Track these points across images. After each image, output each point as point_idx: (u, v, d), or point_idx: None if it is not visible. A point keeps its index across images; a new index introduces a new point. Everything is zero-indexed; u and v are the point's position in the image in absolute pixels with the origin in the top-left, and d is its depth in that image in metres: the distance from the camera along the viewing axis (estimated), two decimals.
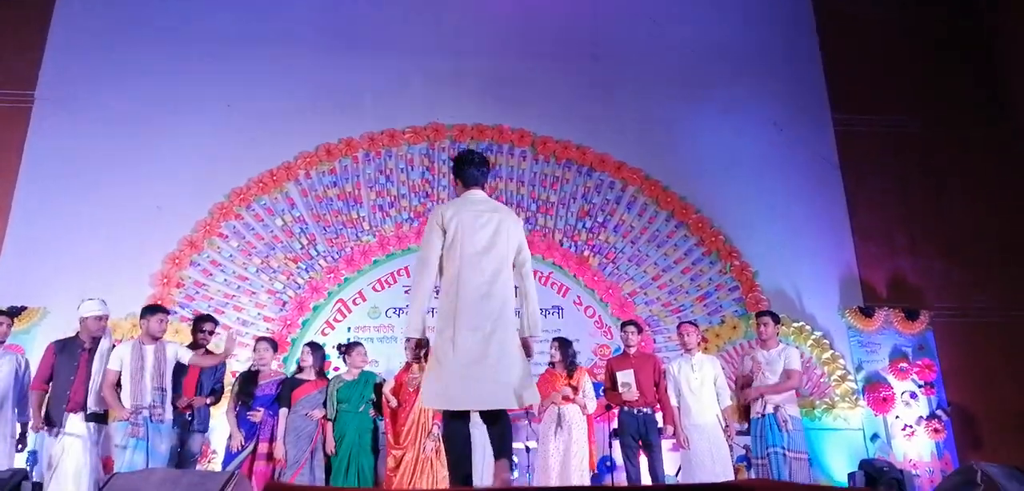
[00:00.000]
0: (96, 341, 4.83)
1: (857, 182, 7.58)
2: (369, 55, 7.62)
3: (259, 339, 5.34)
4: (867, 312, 7.00)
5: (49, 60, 7.32)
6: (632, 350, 5.34)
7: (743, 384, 5.31)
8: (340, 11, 7.80)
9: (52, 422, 4.68)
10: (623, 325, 5.50)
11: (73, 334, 4.97)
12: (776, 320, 5.47)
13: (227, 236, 6.86)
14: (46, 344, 5.09)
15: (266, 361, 5.13)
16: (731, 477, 5.01)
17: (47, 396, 4.78)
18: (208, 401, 5.12)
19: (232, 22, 7.66)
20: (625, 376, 5.10)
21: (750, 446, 5.16)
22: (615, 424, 5.27)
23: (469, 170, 3.25)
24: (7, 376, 4.93)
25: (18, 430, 4.99)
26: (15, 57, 7.31)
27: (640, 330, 5.59)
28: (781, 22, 8.17)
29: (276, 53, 7.54)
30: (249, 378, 5.07)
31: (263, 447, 4.87)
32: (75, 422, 4.66)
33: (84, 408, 4.67)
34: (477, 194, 3.22)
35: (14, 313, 6.16)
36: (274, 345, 5.39)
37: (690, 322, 5.58)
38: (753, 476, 5.06)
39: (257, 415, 4.94)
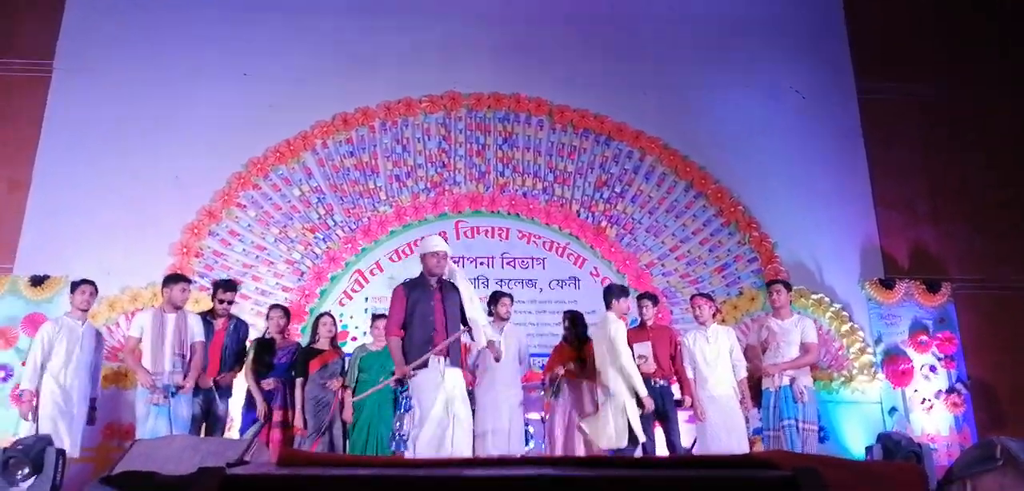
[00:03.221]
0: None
1: (880, 151, 7.43)
2: (385, 22, 7.54)
3: (273, 307, 5.37)
4: (888, 284, 6.91)
5: (67, 29, 7.31)
6: (649, 322, 5.32)
7: (756, 354, 5.27)
8: None
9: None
10: (639, 297, 5.46)
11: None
12: (788, 288, 5.41)
13: (245, 206, 6.89)
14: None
15: (281, 328, 5.17)
16: (746, 449, 5.01)
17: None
18: (234, 375, 5.17)
19: None
20: (642, 348, 5.09)
21: (763, 417, 5.14)
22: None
23: None
24: (89, 347, 5.00)
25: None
26: (34, 27, 7.31)
27: (656, 302, 5.55)
28: None
29: (293, 20, 7.50)
30: (265, 346, 5.10)
31: (277, 415, 4.92)
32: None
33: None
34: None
35: (37, 282, 6.30)
36: (288, 313, 5.42)
37: (703, 295, 5.54)
38: (767, 448, 5.04)
39: (270, 384, 4.98)
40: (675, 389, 5.24)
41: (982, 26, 7.92)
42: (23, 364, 5.22)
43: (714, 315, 5.44)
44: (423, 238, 4.88)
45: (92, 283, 5.12)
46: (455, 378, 4.17)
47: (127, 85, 7.14)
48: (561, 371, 5.08)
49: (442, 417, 3.97)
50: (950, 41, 7.84)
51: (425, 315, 4.17)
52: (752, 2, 7.89)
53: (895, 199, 7.26)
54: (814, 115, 7.50)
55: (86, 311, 5.06)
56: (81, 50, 7.25)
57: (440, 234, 5.28)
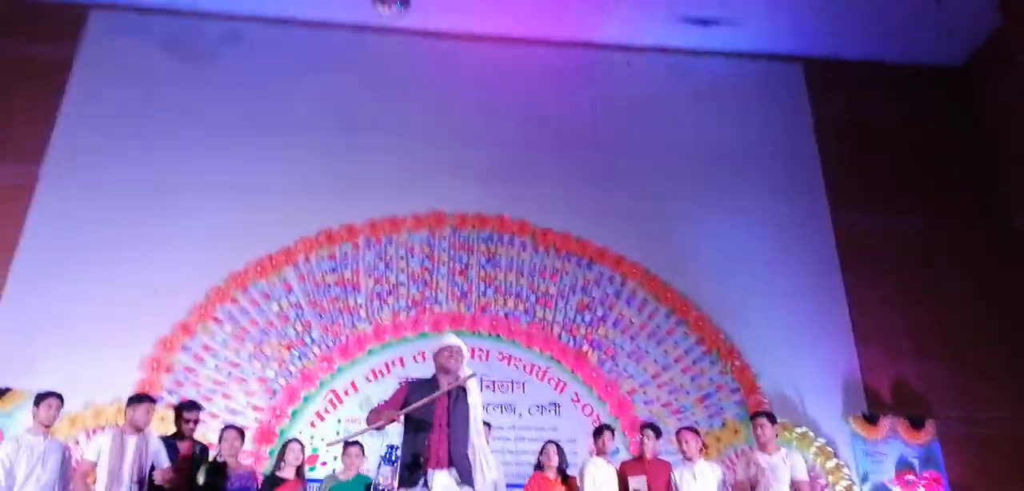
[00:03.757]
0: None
1: (859, 283, 7.50)
2: (373, 141, 7.70)
3: (227, 427, 5.14)
4: (871, 419, 6.82)
5: (58, 136, 7.40)
6: (648, 455, 5.15)
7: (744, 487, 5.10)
8: (345, 98, 7.93)
9: None
10: (642, 427, 5.33)
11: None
12: (773, 421, 5.29)
13: (222, 320, 6.78)
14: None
15: (235, 451, 4.94)
16: None
17: None
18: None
19: (239, 105, 7.80)
20: (638, 482, 4.92)
21: None
22: None
23: None
24: (55, 466, 4.69)
25: None
26: (26, 131, 7.37)
27: (659, 435, 5.38)
28: (780, 123, 8.29)
29: (281, 138, 7.65)
30: (216, 470, 4.83)
31: None
32: None
33: None
34: None
35: None
36: (242, 434, 5.19)
37: (689, 428, 5.41)
38: None
39: None
40: None
41: (954, 159, 8.19)
42: None
43: (701, 450, 5.29)
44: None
45: (58, 396, 4.87)
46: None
47: (113, 194, 7.17)
48: None
49: None
50: (923, 173, 8.08)
51: (426, 413, 3.69)
52: (730, 135, 8.14)
53: (875, 333, 7.26)
54: (792, 245, 7.61)
55: (49, 426, 4.80)
56: (70, 157, 7.32)
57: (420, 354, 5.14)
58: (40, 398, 4.80)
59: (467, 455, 3.69)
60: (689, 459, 5.12)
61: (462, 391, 3.78)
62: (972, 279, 7.61)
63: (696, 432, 5.36)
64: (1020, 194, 7.85)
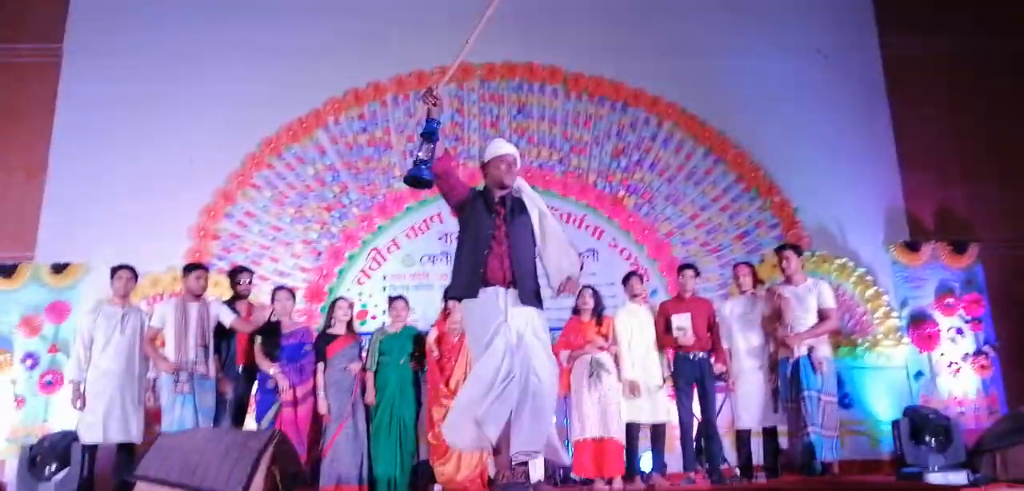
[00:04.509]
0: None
1: (905, 109, 7.23)
2: None
3: (278, 288, 5.28)
4: (913, 247, 6.77)
5: (75, 10, 7.26)
6: (688, 294, 5.22)
7: (771, 321, 5.14)
8: None
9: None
10: (681, 268, 5.34)
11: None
12: (799, 252, 5.25)
13: (260, 186, 6.86)
14: (89, 300, 5.20)
15: (288, 311, 5.12)
16: (772, 422, 4.96)
17: None
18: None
19: None
20: (681, 320, 5.00)
21: (779, 388, 5.01)
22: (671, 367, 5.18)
23: None
24: (132, 331, 4.84)
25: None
26: (41, 9, 7.26)
27: (698, 273, 5.43)
28: None
29: None
30: (271, 329, 5.03)
31: (288, 396, 4.85)
32: None
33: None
34: None
35: (58, 269, 6.34)
36: (293, 295, 5.34)
37: (745, 263, 5.46)
38: (783, 419, 4.95)
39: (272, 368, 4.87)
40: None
41: None
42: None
43: (755, 284, 5.33)
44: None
45: (130, 268, 5.03)
46: (527, 321, 3.11)
47: (136, 66, 7.08)
48: (595, 348, 5.00)
49: (497, 375, 2.93)
50: None
51: (481, 233, 3.20)
52: None
53: (921, 158, 7.07)
54: (836, 74, 7.28)
55: (125, 297, 4.99)
56: (90, 31, 7.21)
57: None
58: (113, 272, 4.97)
59: (532, 273, 3.24)
60: (743, 292, 5.20)
61: (520, 207, 3.28)
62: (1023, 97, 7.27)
63: (750, 266, 5.40)
64: None
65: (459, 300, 3.38)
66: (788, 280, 5.09)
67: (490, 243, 3.19)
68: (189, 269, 5.00)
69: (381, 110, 7.15)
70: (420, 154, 3.17)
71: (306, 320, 6.10)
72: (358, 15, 7.29)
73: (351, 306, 5.35)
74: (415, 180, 3.18)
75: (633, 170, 7.04)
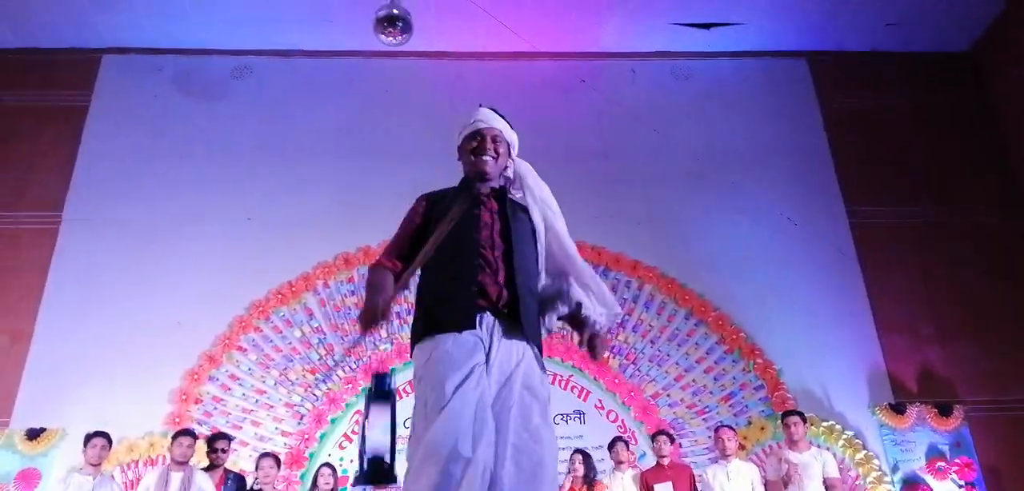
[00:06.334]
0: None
1: (877, 274, 7.48)
2: (384, 164, 7.76)
3: (263, 456, 5.23)
4: (898, 409, 6.79)
5: (78, 181, 7.56)
6: (666, 461, 5.18)
7: (777, 486, 5.10)
8: (353, 123, 8.03)
9: None
10: (654, 435, 5.36)
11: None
12: (804, 419, 5.32)
13: (246, 349, 6.86)
14: (62, 468, 5.05)
15: (271, 479, 5.01)
16: None
17: None
18: None
19: (250, 137, 7.90)
20: (663, 488, 4.95)
21: None
22: None
23: None
24: None
25: None
26: (47, 178, 7.55)
27: (672, 440, 5.44)
28: (788, 119, 8.28)
29: (293, 166, 7.71)
30: None
31: None
32: None
33: None
34: None
35: (33, 435, 6.18)
36: (278, 462, 5.26)
37: (728, 426, 5.46)
38: None
39: None
40: None
41: (966, 145, 8.15)
42: None
43: (738, 448, 5.30)
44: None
45: (104, 435, 5.01)
46: (517, 358, 2.21)
47: (132, 232, 7.29)
48: None
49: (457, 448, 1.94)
50: (936, 162, 8.05)
51: (465, 235, 2.31)
52: (740, 133, 8.16)
53: (897, 322, 7.24)
54: (808, 240, 7.59)
55: (98, 465, 4.92)
56: (90, 200, 7.46)
57: None
58: (87, 438, 4.93)
59: (534, 288, 2.36)
60: (726, 457, 5.15)
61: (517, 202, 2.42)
62: (990, 262, 7.56)
63: (733, 430, 5.39)
64: None
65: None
66: (793, 445, 5.10)
67: (478, 251, 2.29)
68: (177, 435, 4.95)
69: None
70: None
71: (284, 488, 5.92)
72: (348, 184, 7.59)
73: (334, 472, 5.23)
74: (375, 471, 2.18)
75: (617, 331, 7.14)
